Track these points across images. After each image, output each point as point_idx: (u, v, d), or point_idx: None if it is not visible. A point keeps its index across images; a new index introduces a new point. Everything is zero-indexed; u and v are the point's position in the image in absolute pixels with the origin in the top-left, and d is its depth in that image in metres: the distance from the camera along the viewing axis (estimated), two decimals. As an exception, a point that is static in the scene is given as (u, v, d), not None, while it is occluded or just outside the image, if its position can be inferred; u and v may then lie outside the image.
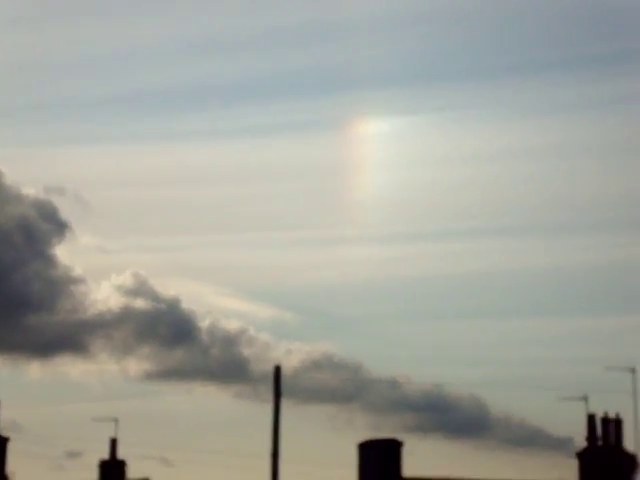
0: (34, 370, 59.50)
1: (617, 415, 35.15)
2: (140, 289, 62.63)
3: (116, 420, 40.18)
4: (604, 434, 35.06)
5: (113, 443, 40.64)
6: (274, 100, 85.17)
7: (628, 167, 77.08)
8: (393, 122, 79.88)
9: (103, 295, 62.01)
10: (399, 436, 32.73)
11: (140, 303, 62.11)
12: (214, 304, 70.53)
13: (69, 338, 58.37)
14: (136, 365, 60.29)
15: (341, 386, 60.28)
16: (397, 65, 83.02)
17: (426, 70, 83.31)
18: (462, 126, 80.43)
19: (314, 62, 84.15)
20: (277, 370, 34.21)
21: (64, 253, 62.14)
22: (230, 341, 63.19)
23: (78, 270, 62.16)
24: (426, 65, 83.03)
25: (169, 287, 66.29)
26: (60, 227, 62.07)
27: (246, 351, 62.69)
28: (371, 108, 77.29)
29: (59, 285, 60.39)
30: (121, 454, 40.94)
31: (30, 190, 62.79)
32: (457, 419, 59.44)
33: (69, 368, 60.09)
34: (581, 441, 35.25)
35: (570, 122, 79.19)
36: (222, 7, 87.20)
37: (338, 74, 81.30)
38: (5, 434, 38.48)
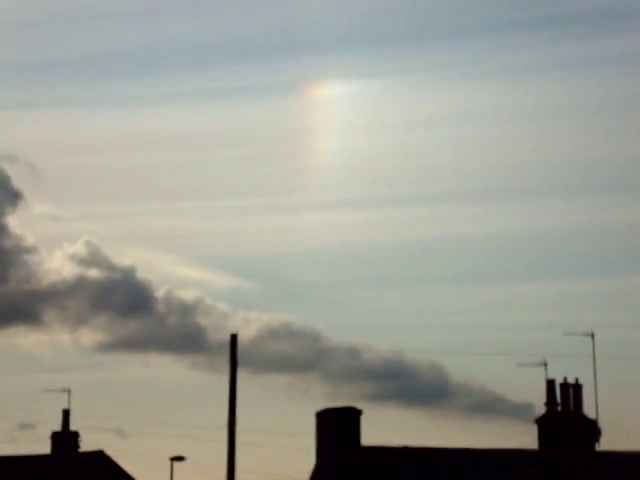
0: (-16, 341, 58.64)
1: (576, 380, 35.03)
2: (94, 258, 61.75)
3: (69, 391, 39.68)
4: (563, 400, 34.92)
5: (66, 414, 40.12)
6: (227, 64, 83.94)
7: (592, 131, 76.81)
8: (349, 85, 79.00)
9: (56, 264, 61.06)
10: (358, 404, 32.35)
11: (94, 272, 61.27)
12: (170, 272, 69.80)
13: (21, 308, 57.44)
14: (90, 335, 59.53)
15: (299, 355, 60.00)
16: (352, 27, 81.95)
17: (382, 32, 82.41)
18: (420, 89, 79.80)
19: (267, 24, 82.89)
20: (233, 339, 33.54)
21: (16, 222, 61.09)
22: (186, 310, 62.52)
23: (30, 239, 61.15)
24: (381, 27, 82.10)
25: (124, 256, 65.48)
26: (12, 196, 60.99)
27: (203, 321, 62.02)
28: (326, 71, 76.48)
29: (10, 255, 59.40)
30: (74, 426, 40.47)
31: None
32: (416, 386, 59.34)
33: (21, 339, 59.24)
34: (540, 407, 35.17)
35: (533, 85, 78.76)
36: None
37: (292, 36, 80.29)
38: (-46, 407, 37.83)
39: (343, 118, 77.12)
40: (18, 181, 62.33)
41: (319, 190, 73.53)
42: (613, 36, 76.48)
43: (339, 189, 74.86)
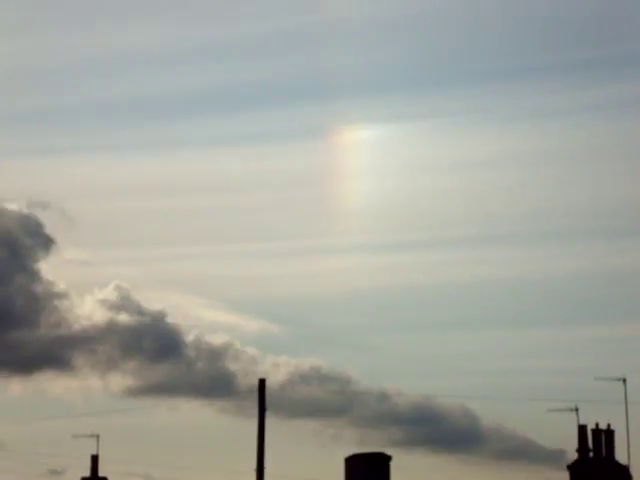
0: (15, 387, 58.83)
1: (608, 426, 34.70)
2: (124, 303, 61.97)
3: (97, 436, 39.60)
4: (595, 445, 34.54)
5: (94, 460, 40.01)
6: (258, 109, 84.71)
7: (613, 175, 76.78)
8: (377, 130, 79.48)
9: (86, 310, 61.34)
10: (387, 450, 32.15)
11: (124, 317, 61.47)
12: (200, 317, 69.86)
13: (52, 354, 57.73)
14: (119, 380, 59.60)
15: (329, 399, 59.72)
16: (381, 72, 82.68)
17: (410, 77, 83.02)
18: (447, 133, 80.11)
19: (297, 70, 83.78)
20: (261, 383, 33.62)
21: (48, 268, 61.52)
22: (216, 355, 62.53)
23: (61, 285, 61.52)
24: (410, 72, 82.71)
25: (154, 300, 65.62)
26: (45, 242, 61.55)
27: (232, 365, 62.00)
28: (355, 116, 76.93)
29: (42, 300, 59.76)
30: (103, 471, 40.32)
31: (14, 205, 62.28)
32: (447, 431, 58.88)
33: (51, 384, 59.39)
34: (572, 453, 34.82)
35: (557, 129, 78.96)
36: (207, 14, 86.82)
37: (322, 82, 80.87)
38: (-14, 452, 37.89)
39: (370, 162, 77.49)
40: (51, 227, 62.92)
41: (347, 234, 73.74)
42: (632, 82, 76.82)
43: (367, 233, 75.04)
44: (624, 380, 35.02)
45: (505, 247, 73.11)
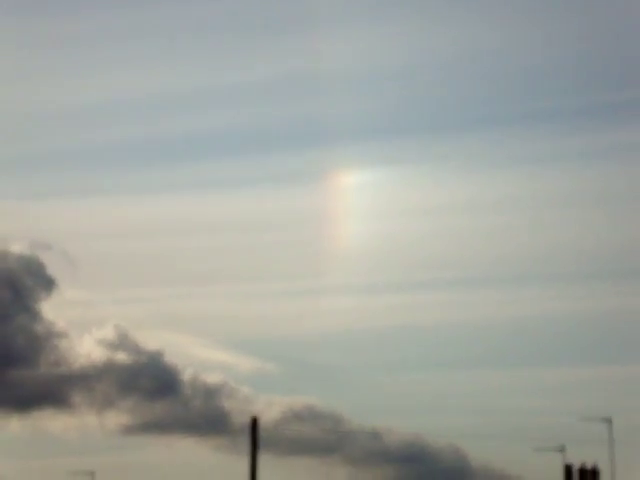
0: (14, 425, 59.37)
1: (594, 466, 35.33)
2: (122, 342, 62.68)
3: (92, 473, 40.17)
4: (581, 485, 35.24)
5: (91, 497, 40.59)
6: (254, 153, 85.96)
7: (604, 218, 77.94)
8: (371, 173, 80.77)
9: (85, 349, 62.04)
10: (378, 488, 32.72)
11: (122, 356, 62.15)
12: (196, 355, 70.54)
13: (50, 392, 58.27)
14: (116, 418, 60.16)
15: (321, 438, 60.27)
16: (374, 118, 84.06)
17: (402, 123, 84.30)
18: (437, 178, 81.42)
19: (292, 115, 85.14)
20: (254, 422, 34.31)
21: (49, 308, 62.30)
22: (211, 394, 63.16)
23: (61, 324, 62.25)
24: (402, 118, 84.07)
25: (150, 339, 66.35)
26: (46, 282, 62.30)
27: (227, 404, 62.65)
28: (349, 160, 78.16)
29: (42, 339, 60.46)
30: (100, 508, 40.87)
31: (17, 246, 63.13)
32: (437, 470, 59.42)
33: (49, 422, 59.93)
34: (559, 492, 35.41)
35: (537, 174, 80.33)
36: (195, 61, 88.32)
37: (316, 126, 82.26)
38: (-15, 489, 38.42)
39: (364, 205, 78.66)
40: (52, 268, 63.70)
41: (341, 275, 74.69)
42: (622, 129, 78.05)
43: (361, 274, 75.99)
44: (609, 420, 35.62)
45: (493, 289, 74.23)
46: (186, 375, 63.05)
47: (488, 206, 78.59)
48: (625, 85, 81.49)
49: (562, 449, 35.67)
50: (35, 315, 60.47)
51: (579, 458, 35.55)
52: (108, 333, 63.07)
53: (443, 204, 79.77)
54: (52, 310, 62.45)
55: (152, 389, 61.11)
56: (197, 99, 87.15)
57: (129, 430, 60.37)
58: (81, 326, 66.47)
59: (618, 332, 71.07)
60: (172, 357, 63.56)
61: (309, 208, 76.23)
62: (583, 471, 35.47)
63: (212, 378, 63.74)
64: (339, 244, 73.78)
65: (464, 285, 74.70)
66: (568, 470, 35.63)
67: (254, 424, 34.52)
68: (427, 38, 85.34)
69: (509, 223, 78.22)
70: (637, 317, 70.47)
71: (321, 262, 75.00)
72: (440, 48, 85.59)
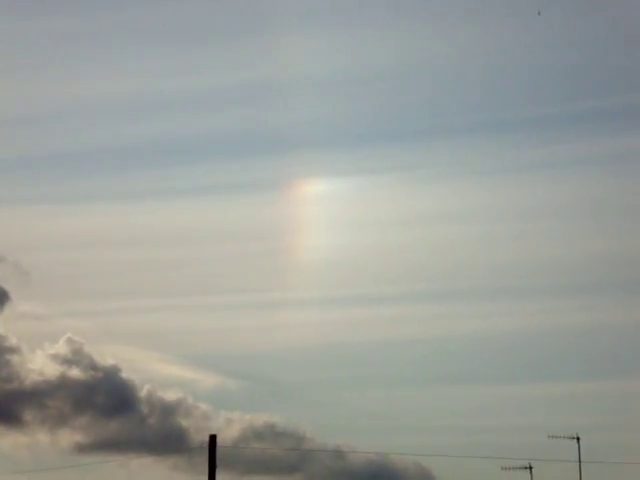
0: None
1: (562, 484, 34.68)
2: (76, 357, 61.28)
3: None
4: (549, 504, 34.51)
5: (41, 518, 39.35)
6: (214, 161, 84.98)
7: (576, 232, 77.60)
8: (333, 184, 79.92)
9: (37, 364, 60.58)
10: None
11: (76, 372, 60.74)
12: (153, 371, 69.18)
13: (1, 409, 56.82)
14: (69, 437, 58.74)
15: (283, 457, 59.16)
16: (338, 126, 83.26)
17: (367, 131, 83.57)
18: (404, 188, 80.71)
19: (254, 123, 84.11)
20: (212, 440, 33.22)
21: (0, 321, 60.96)
22: (169, 411, 61.84)
23: (13, 339, 60.83)
24: (367, 127, 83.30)
25: (106, 354, 64.96)
26: (-1, 297, 61.13)
27: (185, 421, 61.34)
28: (311, 169, 77.27)
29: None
30: (51, 530, 39.64)
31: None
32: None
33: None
34: (526, 511, 34.71)
35: (523, 184, 79.85)
36: (163, 66, 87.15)
37: (279, 135, 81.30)
38: None
39: (327, 216, 77.80)
40: (4, 280, 62.40)
41: (303, 288, 73.65)
42: (611, 136, 77.91)
43: (324, 287, 75.03)
44: (578, 438, 35.11)
45: (459, 303, 73.40)
46: (143, 391, 61.79)
47: (459, 217, 78.08)
48: (615, 93, 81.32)
49: (529, 467, 35.05)
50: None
51: (547, 476, 34.99)
52: (62, 348, 61.72)
53: (412, 215, 79.17)
54: (3, 324, 61.16)
55: (107, 406, 59.84)
56: (159, 106, 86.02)
57: (83, 449, 59.03)
58: (34, 340, 65.09)
59: (589, 349, 70.66)
60: (129, 373, 62.30)
61: (273, 218, 75.28)
62: (551, 490, 34.72)
63: (170, 395, 62.51)
64: (303, 256, 72.82)
65: (432, 299, 74.00)
66: (536, 489, 34.89)
67: (212, 442, 33.41)
68: (397, 44, 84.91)
69: (485, 234, 77.69)
70: (608, 333, 70.10)
71: (285, 274, 73.98)
72: (412, 54, 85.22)
